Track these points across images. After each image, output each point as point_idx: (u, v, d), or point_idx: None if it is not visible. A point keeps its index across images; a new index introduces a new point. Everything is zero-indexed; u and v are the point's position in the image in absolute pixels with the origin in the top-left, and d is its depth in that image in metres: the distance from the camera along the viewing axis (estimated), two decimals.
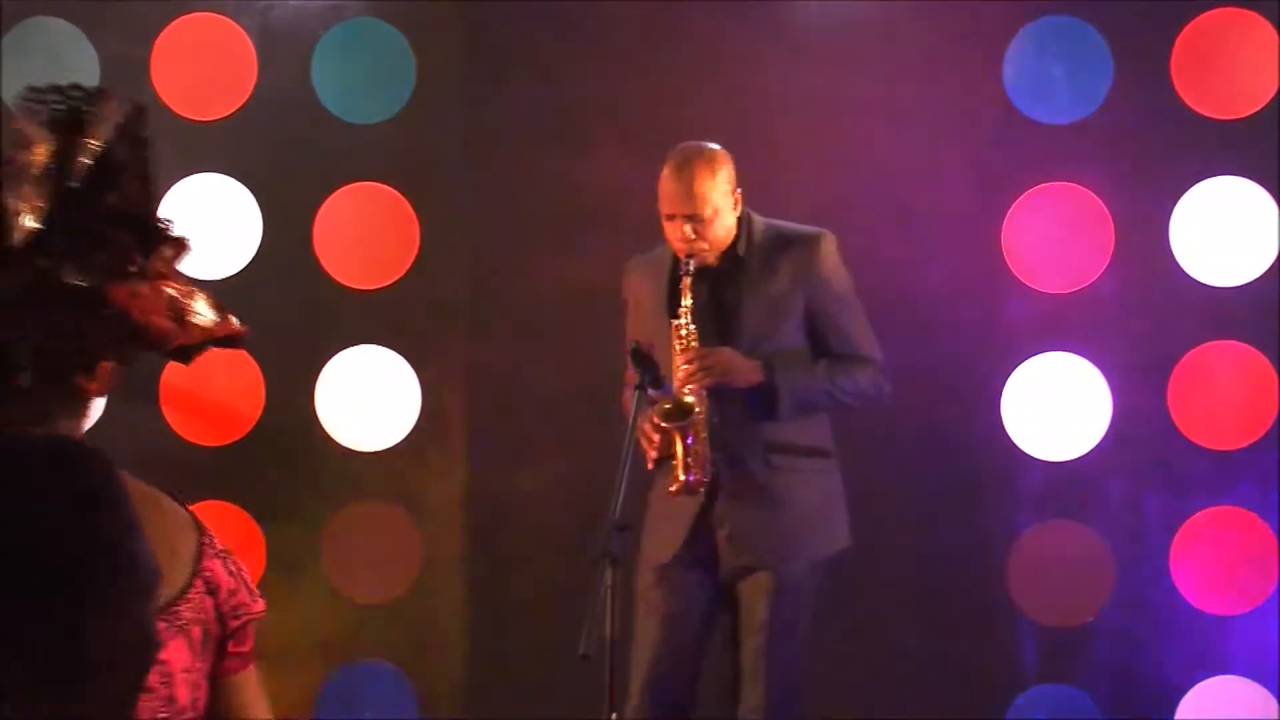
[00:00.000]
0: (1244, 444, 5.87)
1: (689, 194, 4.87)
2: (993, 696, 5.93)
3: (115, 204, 2.56)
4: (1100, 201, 5.91)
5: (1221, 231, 5.87)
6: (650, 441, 4.84)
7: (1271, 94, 5.85)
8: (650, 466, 4.89)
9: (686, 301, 4.87)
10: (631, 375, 5.10)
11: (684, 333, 4.86)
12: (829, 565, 5.04)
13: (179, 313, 2.61)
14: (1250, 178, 5.87)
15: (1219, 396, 5.88)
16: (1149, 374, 5.90)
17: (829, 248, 5.04)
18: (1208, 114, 5.86)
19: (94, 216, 2.53)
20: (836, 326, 5.02)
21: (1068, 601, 5.94)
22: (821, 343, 5.01)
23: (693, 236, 4.88)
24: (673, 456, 4.82)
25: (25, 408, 2.52)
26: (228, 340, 2.72)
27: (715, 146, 4.98)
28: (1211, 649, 5.88)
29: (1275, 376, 5.86)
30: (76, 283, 2.47)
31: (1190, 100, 5.86)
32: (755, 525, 4.92)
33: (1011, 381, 5.94)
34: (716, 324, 4.94)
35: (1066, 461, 5.93)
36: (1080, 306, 5.92)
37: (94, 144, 2.55)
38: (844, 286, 5.05)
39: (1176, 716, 5.87)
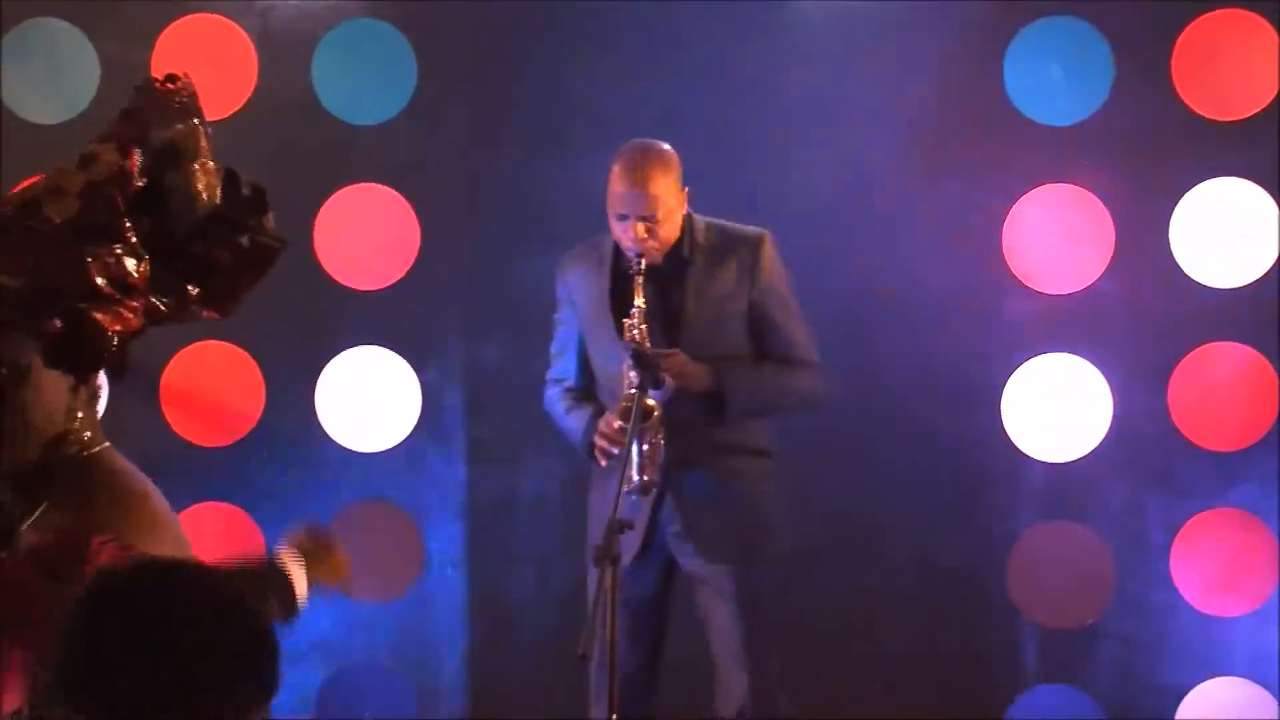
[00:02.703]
0: (1244, 445, 5.87)
1: (644, 195, 4.85)
2: (993, 696, 5.93)
3: (242, 179, 2.73)
4: (1100, 202, 5.90)
5: (1221, 232, 5.87)
6: (611, 440, 4.84)
7: (1271, 95, 5.85)
8: (604, 464, 4.89)
9: (639, 301, 4.84)
10: (557, 373, 5.14)
11: (635, 332, 4.84)
12: (782, 564, 5.03)
13: None
14: (1250, 178, 5.86)
15: (1219, 397, 5.87)
16: (1149, 375, 5.89)
17: (771, 249, 5.03)
18: (1208, 114, 5.86)
19: (240, 191, 2.68)
20: (778, 329, 5.01)
21: (1068, 602, 5.94)
22: (762, 344, 5.01)
23: (645, 237, 4.85)
24: (626, 456, 4.81)
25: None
26: None
27: (664, 145, 4.95)
28: (1212, 650, 5.88)
29: (1275, 377, 5.85)
30: (273, 245, 2.64)
31: (1190, 101, 5.86)
32: (704, 524, 4.94)
33: (1011, 382, 5.94)
34: (662, 325, 4.92)
35: (1066, 462, 5.93)
36: (1080, 307, 5.92)
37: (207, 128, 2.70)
38: (786, 288, 5.04)
39: (1177, 717, 5.87)
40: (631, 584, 4.93)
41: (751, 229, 5.05)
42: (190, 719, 1.95)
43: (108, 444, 2.72)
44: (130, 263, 2.54)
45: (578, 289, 5.08)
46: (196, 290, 2.66)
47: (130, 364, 2.68)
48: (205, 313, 2.72)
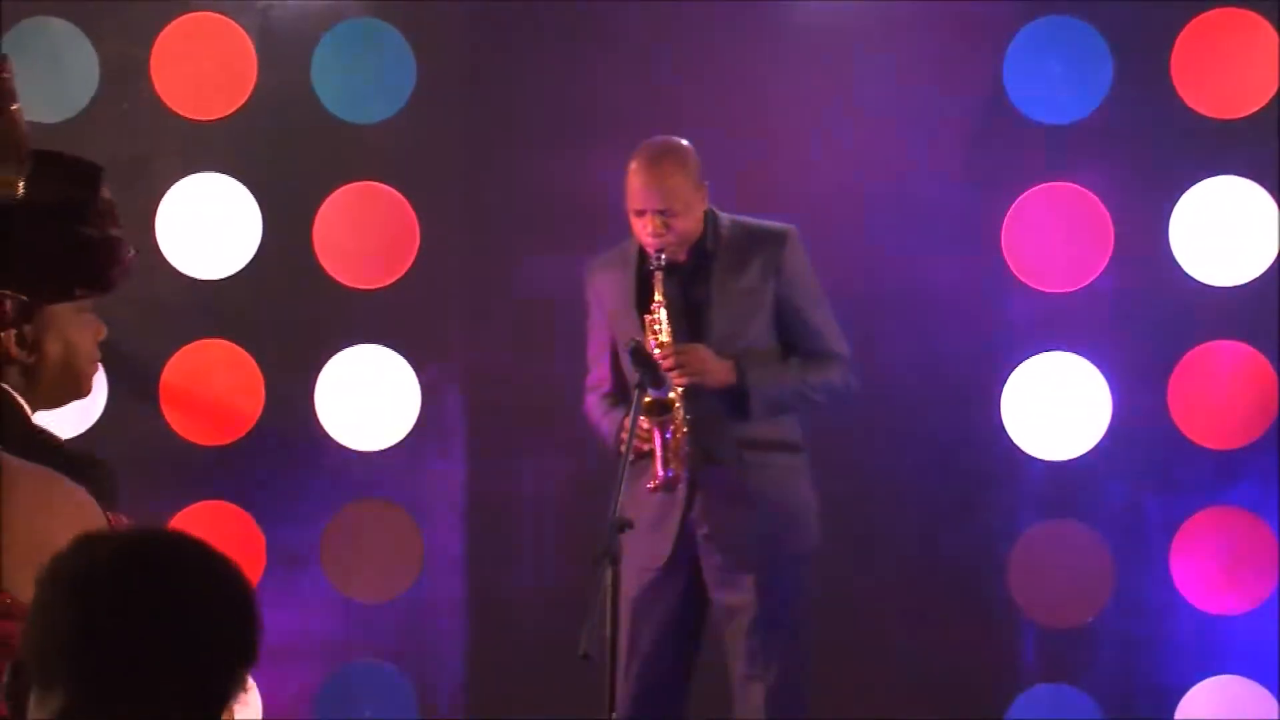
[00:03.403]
0: (1244, 444, 5.87)
1: (661, 189, 4.86)
2: (993, 696, 5.93)
3: (73, 160, 2.64)
4: (1100, 201, 5.91)
5: (1221, 231, 5.87)
6: (638, 438, 4.84)
7: (1271, 94, 5.85)
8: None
9: (659, 296, 4.85)
10: (593, 380, 5.12)
11: (657, 328, 4.85)
12: (809, 561, 5.04)
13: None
14: (1250, 178, 5.86)
15: (1219, 396, 5.87)
16: (1149, 374, 5.89)
17: (796, 244, 5.04)
18: (1208, 114, 5.86)
19: (64, 175, 2.60)
20: (805, 323, 5.02)
21: (1068, 601, 5.94)
22: (790, 339, 5.01)
23: (664, 231, 4.86)
24: (650, 453, 4.82)
25: None
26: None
27: (683, 141, 4.97)
28: (1211, 649, 5.88)
29: (1275, 377, 5.85)
30: (93, 235, 2.55)
31: (1190, 100, 5.86)
32: (734, 525, 4.93)
33: (1011, 381, 5.94)
34: (687, 321, 4.93)
35: (1066, 461, 5.93)
36: (1080, 306, 5.92)
37: (20, 110, 2.62)
38: (811, 282, 5.05)
39: (1176, 716, 5.87)
40: (663, 589, 4.92)
41: (777, 224, 5.06)
42: (169, 685, 1.97)
43: None
44: None
45: (605, 292, 5.08)
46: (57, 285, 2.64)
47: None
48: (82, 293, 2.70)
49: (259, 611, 2.04)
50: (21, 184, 2.52)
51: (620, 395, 5.06)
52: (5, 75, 2.56)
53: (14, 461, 2.62)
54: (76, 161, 2.59)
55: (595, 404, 5.11)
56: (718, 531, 4.92)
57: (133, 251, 2.75)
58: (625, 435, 4.80)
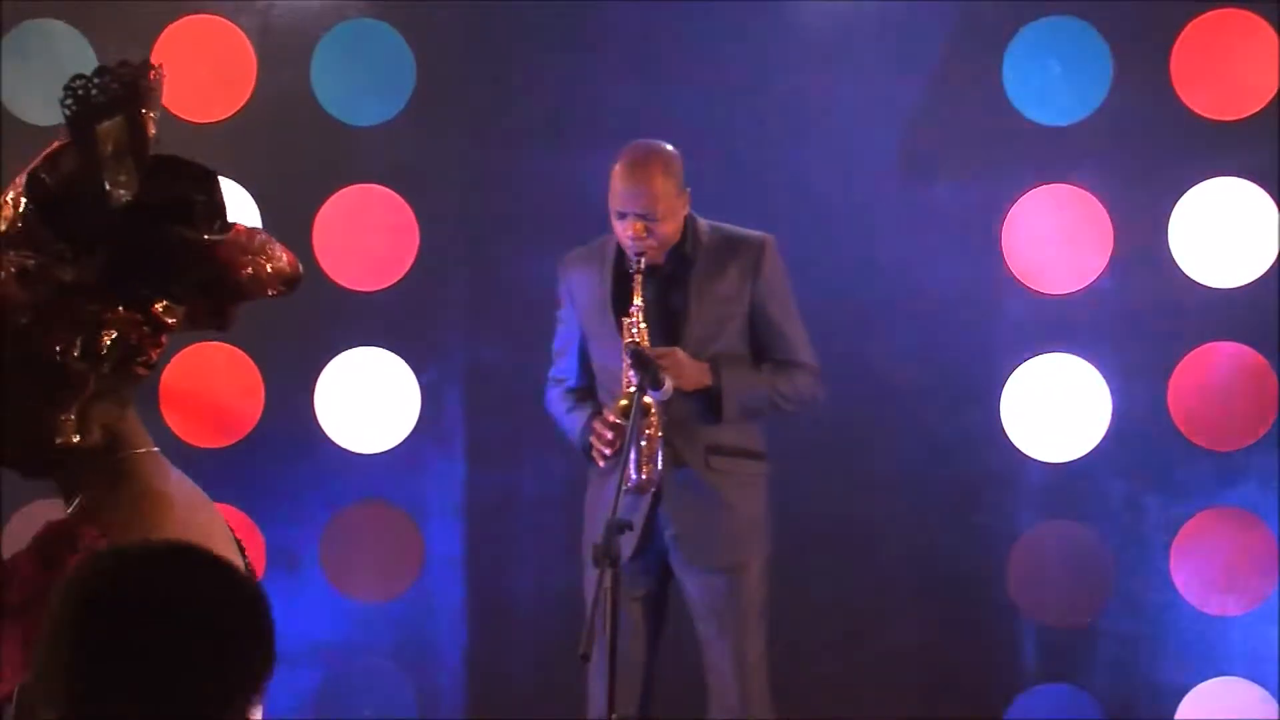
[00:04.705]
0: (1244, 444, 5.87)
1: (644, 192, 4.87)
2: (993, 696, 5.93)
3: (188, 164, 2.63)
4: (1099, 202, 5.91)
5: (1221, 232, 5.87)
6: (604, 440, 4.86)
7: (1271, 94, 5.85)
8: (602, 465, 4.89)
9: (638, 300, 4.87)
10: (558, 372, 5.16)
11: (635, 331, 4.86)
12: (770, 566, 5.05)
13: (264, 256, 2.71)
14: (1250, 178, 5.86)
15: (1219, 397, 5.88)
16: (1149, 374, 5.89)
17: (773, 252, 5.05)
18: (1208, 114, 5.86)
19: (177, 178, 2.60)
20: (778, 332, 5.04)
21: (1068, 601, 5.95)
22: (762, 347, 5.04)
23: (645, 235, 4.88)
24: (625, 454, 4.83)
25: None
26: (292, 281, 2.81)
27: (668, 146, 4.98)
28: (1211, 649, 5.88)
29: (1275, 377, 5.85)
30: (189, 237, 2.55)
31: (1190, 101, 5.86)
32: (698, 527, 4.96)
33: (1011, 382, 5.94)
34: (663, 324, 4.95)
35: (1066, 462, 5.93)
36: (1080, 307, 5.92)
37: (153, 115, 2.61)
38: (786, 292, 5.07)
39: (1176, 717, 5.87)
40: (628, 584, 4.93)
41: (755, 232, 5.07)
42: (180, 703, 1.96)
43: (143, 450, 2.73)
44: (66, 269, 2.52)
45: (579, 289, 5.10)
46: (162, 304, 2.64)
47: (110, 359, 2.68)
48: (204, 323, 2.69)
49: (271, 625, 2.01)
50: (137, 184, 2.53)
51: (585, 390, 5.09)
52: (149, 78, 2.55)
53: (177, 473, 2.66)
54: (190, 165, 2.58)
55: (559, 397, 5.14)
56: (685, 532, 4.95)
57: (269, 260, 2.71)
58: (609, 435, 4.83)
